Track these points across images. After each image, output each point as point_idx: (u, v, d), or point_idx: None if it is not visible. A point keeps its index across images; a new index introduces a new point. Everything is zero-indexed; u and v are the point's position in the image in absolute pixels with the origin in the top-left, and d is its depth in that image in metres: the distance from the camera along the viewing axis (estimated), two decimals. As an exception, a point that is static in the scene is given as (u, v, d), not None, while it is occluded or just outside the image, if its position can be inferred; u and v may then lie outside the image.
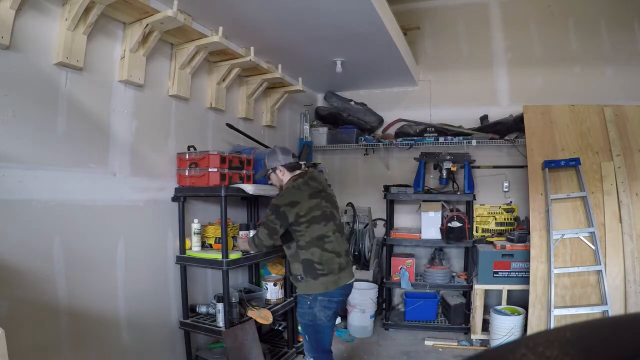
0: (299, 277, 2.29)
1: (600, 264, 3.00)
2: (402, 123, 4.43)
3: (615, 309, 2.93)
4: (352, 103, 4.48)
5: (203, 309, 2.78)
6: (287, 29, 2.96)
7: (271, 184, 2.59)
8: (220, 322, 2.57)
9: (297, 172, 2.39)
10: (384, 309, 4.00)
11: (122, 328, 2.34)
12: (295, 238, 2.27)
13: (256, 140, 3.45)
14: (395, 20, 3.26)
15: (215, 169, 2.58)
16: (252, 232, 2.80)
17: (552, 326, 3.00)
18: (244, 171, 2.82)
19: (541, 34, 4.09)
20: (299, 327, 2.62)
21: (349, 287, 2.40)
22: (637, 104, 3.41)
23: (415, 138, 4.18)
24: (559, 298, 3.07)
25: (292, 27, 2.94)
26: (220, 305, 2.58)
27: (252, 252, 2.65)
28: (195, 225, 2.69)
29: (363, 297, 3.68)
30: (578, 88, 3.88)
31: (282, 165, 2.37)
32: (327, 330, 2.32)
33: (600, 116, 3.40)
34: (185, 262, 2.71)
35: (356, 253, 4.16)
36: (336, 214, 2.40)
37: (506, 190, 4.13)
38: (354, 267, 4.01)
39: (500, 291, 3.55)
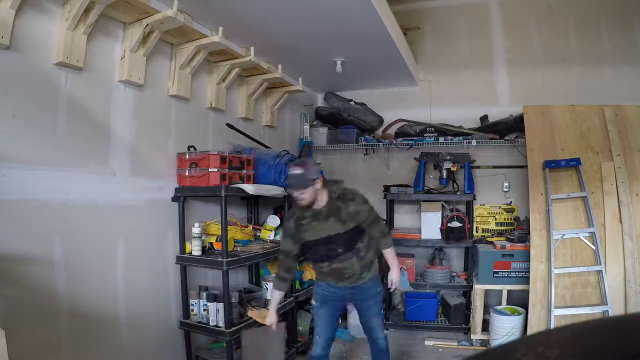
0: (372, 262, 2.45)
1: (600, 264, 3.00)
2: (402, 123, 4.43)
3: (615, 309, 2.93)
4: (352, 103, 4.48)
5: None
6: (287, 29, 2.96)
7: (299, 198, 2.20)
8: (220, 322, 2.57)
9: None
10: (384, 308, 3.99)
11: (122, 328, 2.34)
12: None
13: (256, 140, 3.45)
14: (395, 20, 3.26)
15: (216, 169, 2.58)
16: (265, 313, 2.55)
17: (552, 326, 3.00)
18: (244, 171, 2.82)
19: (541, 34, 4.08)
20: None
21: None
22: (637, 104, 3.41)
23: (415, 138, 4.18)
24: (559, 298, 3.07)
25: (292, 27, 2.94)
26: (219, 305, 2.57)
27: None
28: (196, 230, 2.64)
29: (363, 297, 3.67)
30: (578, 88, 3.88)
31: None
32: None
33: (600, 116, 3.40)
34: (185, 262, 2.70)
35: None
36: None
37: (506, 190, 4.13)
38: None
39: (500, 291, 3.55)
